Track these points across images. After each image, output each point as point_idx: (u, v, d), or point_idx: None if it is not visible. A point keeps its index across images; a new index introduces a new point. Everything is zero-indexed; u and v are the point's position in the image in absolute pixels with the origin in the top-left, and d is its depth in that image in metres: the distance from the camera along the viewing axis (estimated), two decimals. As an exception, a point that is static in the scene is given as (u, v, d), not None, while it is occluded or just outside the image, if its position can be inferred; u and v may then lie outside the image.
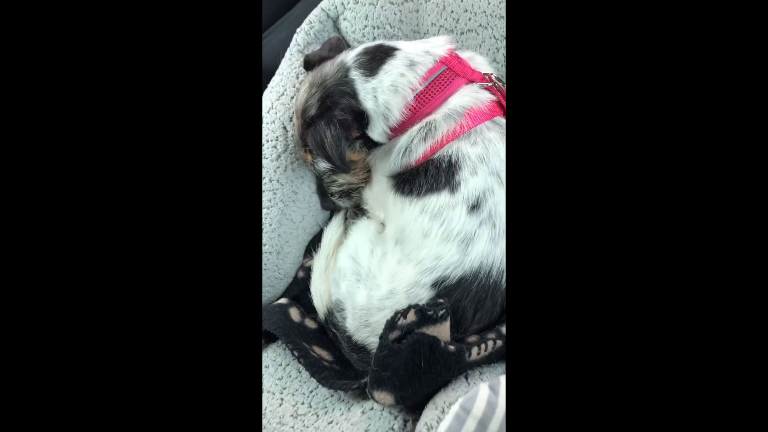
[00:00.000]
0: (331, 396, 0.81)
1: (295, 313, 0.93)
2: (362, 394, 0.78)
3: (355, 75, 0.81)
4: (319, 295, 0.92)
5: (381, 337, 0.69)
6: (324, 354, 0.88)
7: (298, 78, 0.98)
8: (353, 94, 0.81)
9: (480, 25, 0.96)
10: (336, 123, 0.79)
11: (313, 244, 1.00)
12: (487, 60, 0.88)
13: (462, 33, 0.98)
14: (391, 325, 0.69)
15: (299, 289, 0.98)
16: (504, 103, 0.81)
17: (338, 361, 0.87)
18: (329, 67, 0.85)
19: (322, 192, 0.98)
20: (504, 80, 0.83)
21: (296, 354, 0.85)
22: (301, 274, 1.00)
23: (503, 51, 0.98)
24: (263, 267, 0.94)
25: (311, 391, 0.83)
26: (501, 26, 0.96)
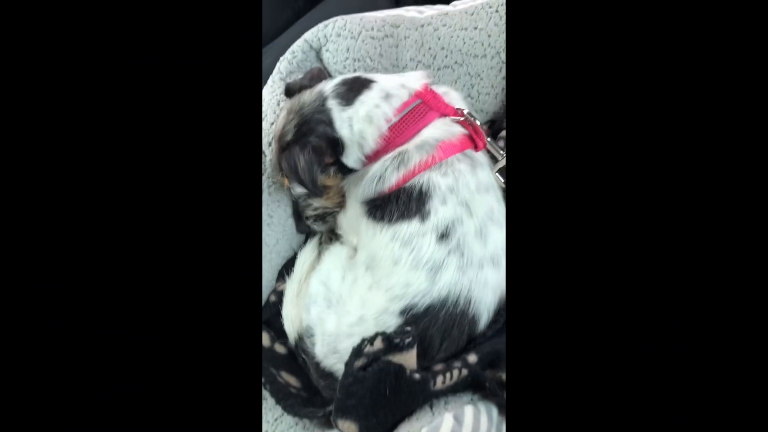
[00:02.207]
0: (296, 425, 0.80)
1: (265, 338, 0.91)
2: (327, 423, 0.77)
3: (332, 104, 0.84)
4: (290, 320, 0.91)
5: (346, 365, 0.68)
6: (292, 380, 0.86)
7: (278, 104, 1.00)
8: (329, 122, 0.83)
9: (456, 62, 1.01)
10: (309, 149, 0.81)
11: (286, 268, 1.00)
12: (461, 96, 0.92)
13: (439, 69, 1.02)
14: (357, 352, 0.69)
15: (270, 313, 0.97)
16: (475, 137, 0.84)
17: (306, 389, 0.85)
18: (308, 95, 0.87)
19: (298, 215, 0.98)
20: (475, 116, 0.86)
21: (263, 380, 0.83)
22: (273, 298, 0.99)
23: (477, 87, 1.03)
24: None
25: (276, 419, 0.82)
26: (475, 64, 1.01)
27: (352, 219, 0.89)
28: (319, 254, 0.97)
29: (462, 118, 0.84)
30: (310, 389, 0.85)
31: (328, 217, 0.95)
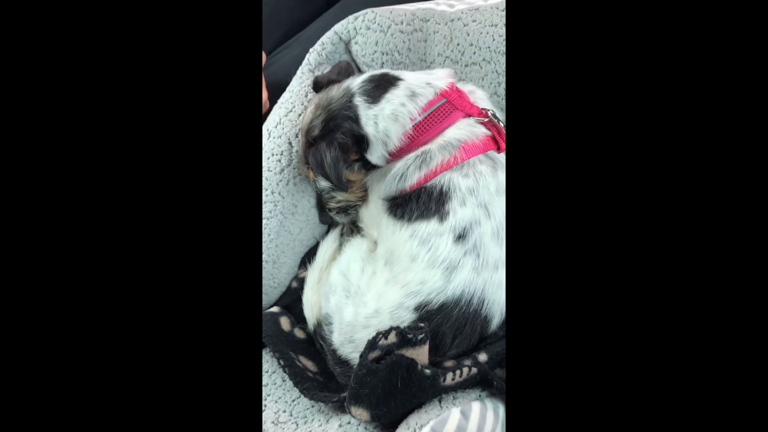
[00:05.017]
0: (312, 407, 0.84)
1: (285, 322, 0.96)
2: (341, 408, 0.81)
3: (359, 101, 0.85)
4: (310, 306, 0.95)
5: (361, 356, 0.72)
6: (309, 365, 0.91)
7: (306, 96, 1.03)
8: (355, 119, 0.85)
9: (483, 59, 1.00)
10: (336, 145, 0.83)
11: (308, 256, 1.04)
12: (486, 95, 0.92)
13: (466, 65, 1.02)
14: (372, 344, 0.72)
15: (291, 299, 1.01)
16: (498, 138, 0.84)
17: (322, 373, 0.90)
18: (335, 91, 0.89)
19: (321, 207, 1.02)
20: (499, 118, 0.86)
21: (282, 363, 0.88)
22: (294, 284, 1.03)
23: (504, 86, 1.01)
24: (259, 275, 0.98)
25: (293, 400, 0.86)
26: (503, 62, 0.99)
27: (374, 214, 0.92)
28: (341, 245, 1.00)
29: (486, 119, 0.84)
30: (327, 374, 0.89)
31: (350, 209, 0.98)
